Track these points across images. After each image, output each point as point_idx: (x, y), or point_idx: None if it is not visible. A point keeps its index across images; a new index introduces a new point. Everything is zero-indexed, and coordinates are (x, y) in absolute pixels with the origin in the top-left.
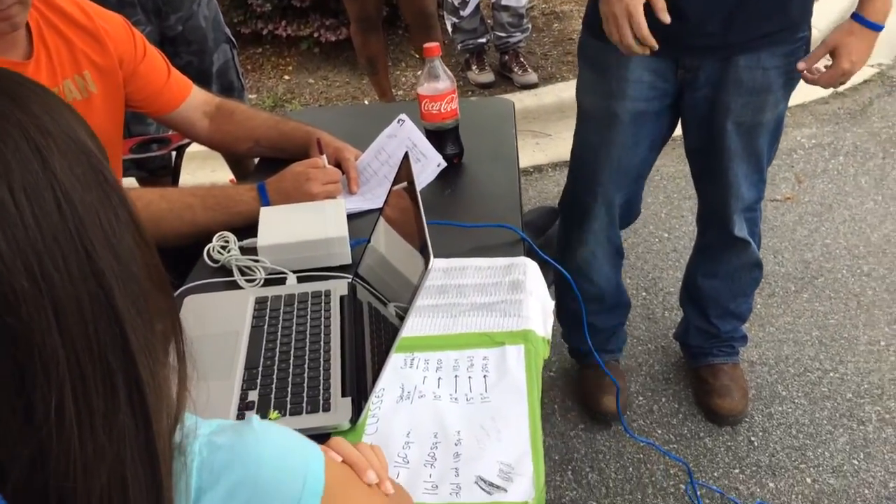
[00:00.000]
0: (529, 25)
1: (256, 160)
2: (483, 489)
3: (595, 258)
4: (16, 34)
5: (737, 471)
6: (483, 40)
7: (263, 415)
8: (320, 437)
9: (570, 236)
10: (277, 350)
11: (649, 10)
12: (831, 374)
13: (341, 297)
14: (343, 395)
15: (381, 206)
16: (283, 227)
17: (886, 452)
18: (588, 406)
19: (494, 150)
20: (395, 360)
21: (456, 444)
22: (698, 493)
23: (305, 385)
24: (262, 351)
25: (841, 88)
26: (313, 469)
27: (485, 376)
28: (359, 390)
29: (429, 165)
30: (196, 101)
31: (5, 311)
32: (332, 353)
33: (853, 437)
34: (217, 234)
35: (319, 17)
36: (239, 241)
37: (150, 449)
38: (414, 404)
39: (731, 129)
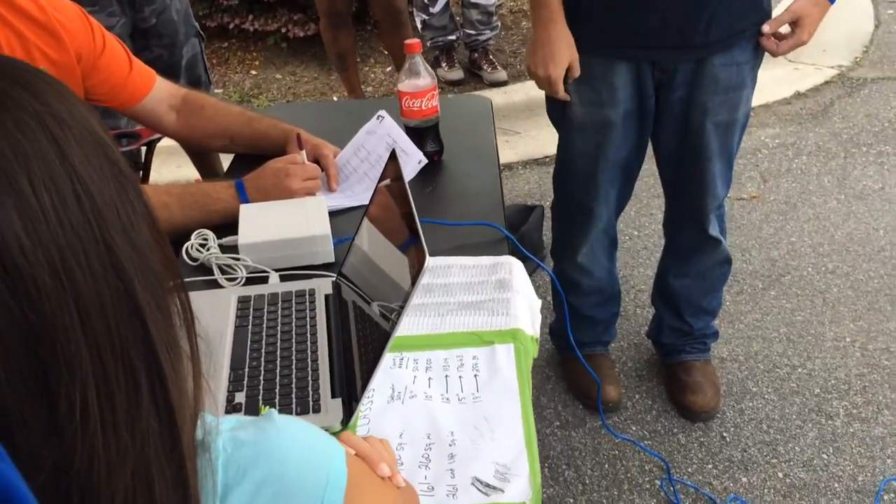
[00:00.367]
0: (499, 23)
1: (223, 156)
2: (480, 490)
3: (595, 255)
4: None
5: (710, 466)
6: (453, 37)
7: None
8: None
9: (571, 239)
10: (263, 350)
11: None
12: (799, 370)
13: (326, 297)
14: (333, 396)
15: (362, 203)
16: (265, 224)
17: (854, 447)
18: (589, 396)
19: (474, 147)
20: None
21: (450, 445)
22: (674, 488)
23: (294, 386)
24: (248, 352)
25: (803, 89)
26: (336, 463)
27: (475, 375)
28: (349, 391)
29: (409, 162)
30: (161, 93)
31: (28, 307)
32: (319, 354)
33: (822, 431)
34: (195, 232)
35: (287, 11)
36: (217, 238)
37: (174, 446)
38: (405, 405)
39: (710, 129)
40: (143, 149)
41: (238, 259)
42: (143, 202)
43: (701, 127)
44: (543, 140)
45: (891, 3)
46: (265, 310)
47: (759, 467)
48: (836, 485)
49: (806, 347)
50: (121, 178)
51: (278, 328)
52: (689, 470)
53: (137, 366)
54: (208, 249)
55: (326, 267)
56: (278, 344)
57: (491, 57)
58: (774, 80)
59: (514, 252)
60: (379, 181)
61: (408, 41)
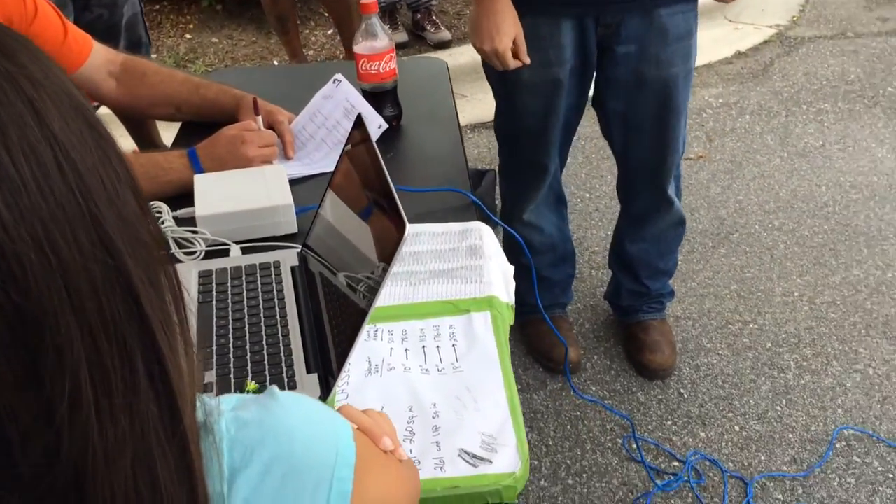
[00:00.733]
0: None
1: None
2: (468, 462)
3: (541, 211)
4: None
5: (669, 423)
6: None
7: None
8: None
9: (519, 198)
10: (230, 327)
11: None
12: (751, 326)
13: (292, 268)
14: (308, 371)
15: (321, 171)
16: (223, 195)
17: (806, 398)
18: (551, 359)
19: (432, 111)
20: None
21: (434, 417)
22: (638, 445)
23: (266, 363)
24: (214, 329)
25: (743, 49)
26: (344, 438)
27: (454, 345)
28: (324, 366)
29: (369, 128)
30: (98, 59)
31: (13, 289)
32: (290, 328)
33: (775, 384)
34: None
35: None
36: (171, 210)
37: (176, 429)
38: (384, 377)
39: (670, 81)
40: None
41: (196, 232)
42: (125, 168)
43: (659, 81)
44: (491, 103)
45: None
46: (229, 284)
47: (716, 422)
48: (791, 435)
49: (756, 303)
50: (102, 144)
51: (244, 303)
52: (650, 427)
53: (133, 347)
54: (163, 223)
55: (289, 238)
56: (246, 319)
57: (434, 17)
58: (715, 41)
59: (481, 217)
60: (344, 148)
61: (363, 1)
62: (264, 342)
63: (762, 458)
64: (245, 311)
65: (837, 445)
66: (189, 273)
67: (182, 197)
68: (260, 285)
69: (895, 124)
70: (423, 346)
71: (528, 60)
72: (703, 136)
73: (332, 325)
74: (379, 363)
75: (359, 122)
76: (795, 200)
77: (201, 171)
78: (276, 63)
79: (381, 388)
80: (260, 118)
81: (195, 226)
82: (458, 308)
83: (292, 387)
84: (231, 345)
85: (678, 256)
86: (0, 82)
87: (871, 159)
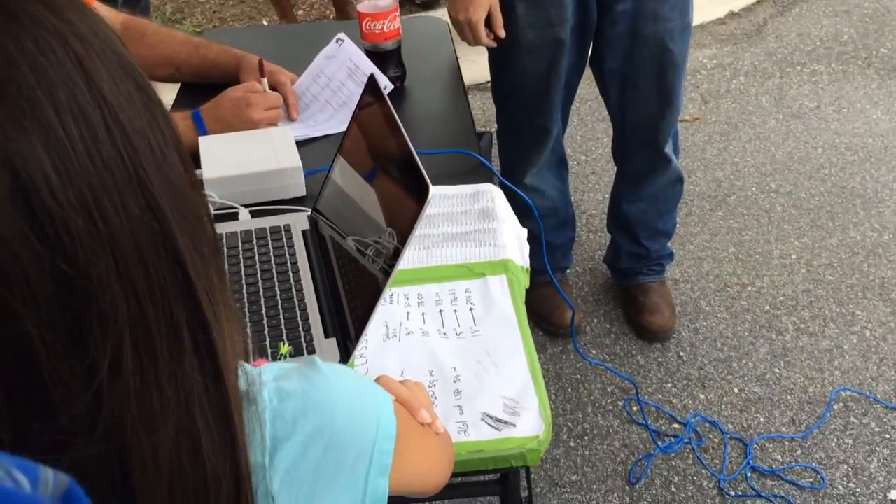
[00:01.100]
0: None
1: (162, 86)
2: (491, 426)
3: (544, 175)
4: None
5: (669, 385)
6: None
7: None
8: None
9: (520, 161)
10: (245, 292)
11: None
12: (749, 289)
13: (303, 232)
14: (326, 336)
15: (326, 133)
16: (230, 158)
17: (804, 360)
18: (551, 323)
19: (436, 72)
20: None
21: (455, 381)
22: (641, 408)
23: (283, 328)
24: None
25: (736, 9)
26: (385, 411)
27: (471, 309)
28: (342, 330)
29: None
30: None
31: (62, 258)
32: (305, 293)
33: (773, 347)
34: None
35: None
36: None
37: (221, 399)
38: (402, 342)
39: (667, 37)
40: None
41: (203, 195)
42: (172, 131)
43: (657, 36)
44: (484, 64)
45: None
46: (240, 248)
47: (715, 384)
48: (789, 397)
49: (754, 266)
50: (150, 105)
51: (257, 267)
52: (650, 390)
53: (179, 314)
54: None
55: (297, 201)
56: (260, 284)
57: None
58: (709, 1)
59: (490, 180)
60: (355, 110)
61: None
62: (280, 307)
63: (761, 419)
64: (258, 275)
65: (835, 407)
66: None
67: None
68: (272, 249)
69: (889, 85)
70: (441, 311)
71: (503, 34)
72: (699, 98)
73: (346, 289)
74: (396, 327)
75: (371, 84)
76: (792, 162)
77: (205, 133)
78: (265, 23)
79: (400, 352)
80: (265, 80)
81: (202, 189)
82: (473, 272)
83: (311, 351)
84: (247, 310)
85: (676, 218)
86: (49, 39)
87: (865, 121)
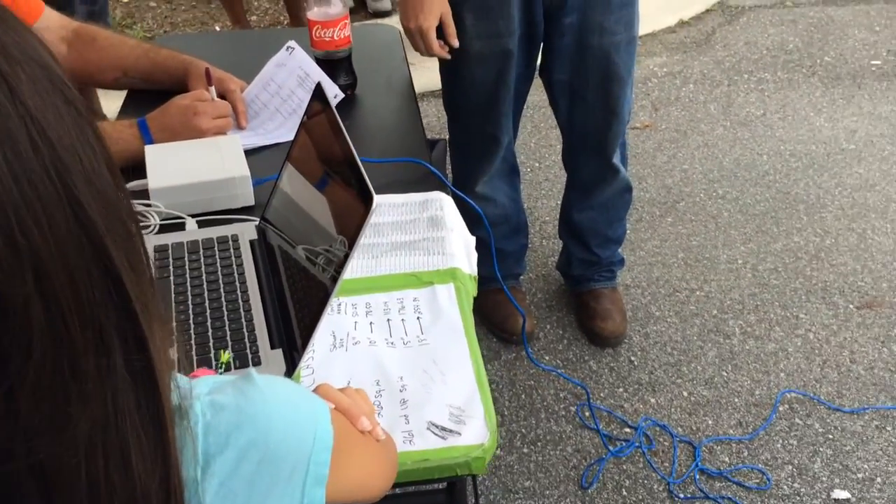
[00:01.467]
0: None
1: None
2: (437, 434)
3: (495, 183)
4: None
5: (621, 390)
6: None
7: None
8: None
9: (471, 170)
10: (190, 303)
11: None
12: (697, 293)
13: (251, 242)
14: (272, 347)
15: (275, 141)
16: (177, 166)
17: (750, 363)
18: (505, 330)
19: (387, 80)
20: None
21: (401, 391)
22: (593, 413)
23: (229, 339)
24: (173, 304)
25: (686, 17)
26: (322, 422)
27: (418, 318)
28: (288, 341)
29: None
30: (49, 22)
31: None
32: (252, 303)
33: (721, 350)
34: None
35: None
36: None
37: (155, 415)
38: (349, 352)
39: (612, 50)
40: None
41: (149, 205)
42: (102, 144)
43: (602, 49)
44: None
45: None
46: (186, 258)
47: (665, 388)
48: (737, 399)
49: (702, 271)
50: (79, 121)
51: (203, 277)
52: (602, 395)
53: (109, 332)
54: None
55: (246, 211)
56: (206, 294)
57: None
58: (658, 9)
59: (437, 187)
60: (303, 118)
61: None
62: (226, 318)
63: (710, 422)
64: (204, 286)
65: (781, 408)
66: None
67: (133, 169)
68: (219, 259)
69: (832, 93)
70: (388, 319)
71: (456, 43)
72: (649, 105)
73: (294, 299)
74: (344, 337)
75: (318, 92)
76: (738, 169)
77: (151, 142)
78: (217, 28)
79: (347, 362)
80: (213, 88)
81: (148, 199)
82: (421, 280)
83: (256, 363)
84: (192, 321)
85: (626, 224)
86: None
87: (809, 128)
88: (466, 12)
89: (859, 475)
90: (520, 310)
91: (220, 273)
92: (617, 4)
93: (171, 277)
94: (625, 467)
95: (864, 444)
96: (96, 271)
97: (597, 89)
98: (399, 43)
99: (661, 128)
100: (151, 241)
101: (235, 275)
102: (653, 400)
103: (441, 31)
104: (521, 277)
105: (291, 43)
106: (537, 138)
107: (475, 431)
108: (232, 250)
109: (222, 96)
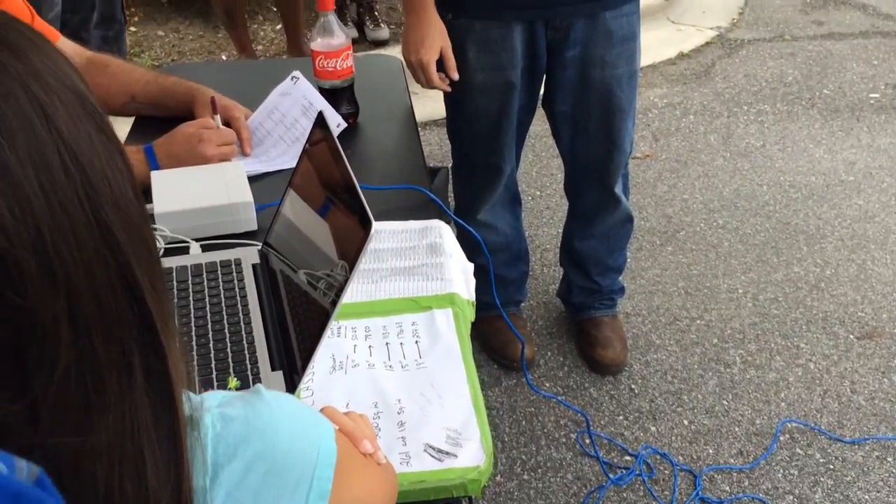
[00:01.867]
0: None
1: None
2: (433, 456)
3: (496, 211)
4: None
5: (621, 417)
6: None
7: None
8: None
9: (473, 198)
10: (193, 325)
11: None
12: (698, 322)
13: (254, 266)
14: (273, 369)
15: (278, 168)
16: (182, 192)
17: (751, 392)
18: (505, 357)
19: (389, 109)
20: None
21: (399, 413)
22: (593, 441)
23: (231, 361)
24: (177, 327)
25: (686, 50)
26: (326, 439)
27: (416, 342)
28: (289, 363)
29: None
30: (64, 50)
31: (10, 291)
32: (253, 326)
33: (721, 379)
34: None
35: None
36: None
37: (170, 427)
38: (348, 374)
39: (614, 83)
40: None
41: (154, 229)
42: (128, 168)
43: (604, 82)
44: (440, 100)
45: None
46: (189, 282)
47: (666, 416)
48: (737, 429)
49: (703, 300)
50: (109, 146)
51: (206, 301)
52: (602, 422)
53: (131, 347)
54: None
55: (249, 235)
56: (208, 317)
57: (375, 13)
58: (660, 42)
59: (438, 215)
60: (305, 145)
61: None
62: (228, 340)
63: (710, 451)
64: (207, 308)
65: (781, 438)
66: None
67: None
68: (221, 283)
69: (831, 125)
70: (387, 343)
71: (456, 76)
72: (650, 136)
73: (294, 322)
74: (343, 360)
75: (320, 120)
76: (738, 199)
77: (158, 168)
78: (224, 58)
79: (346, 384)
80: (218, 116)
81: (153, 223)
82: (420, 305)
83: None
84: (194, 343)
85: (627, 253)
86: (10, 84)
87: (808, 160)
88: (470, 45)
89: None
90: (519, 336)
91: (222, 296)
92: (619, 39)
93: (175, 300)
94: (625, 495)
95: (864, 474)
96: (120, 289)
97: (599, 121)
98: (401, 73)
99: (662, 158)
100: None
101: (238, 298)
102: (653, 428)
103: (442, 64)
104: (522, 304)
105: (296, 73)
106: (539, 167)
107: (471, 454)
108: (235, 274)
109: (227, 124)
